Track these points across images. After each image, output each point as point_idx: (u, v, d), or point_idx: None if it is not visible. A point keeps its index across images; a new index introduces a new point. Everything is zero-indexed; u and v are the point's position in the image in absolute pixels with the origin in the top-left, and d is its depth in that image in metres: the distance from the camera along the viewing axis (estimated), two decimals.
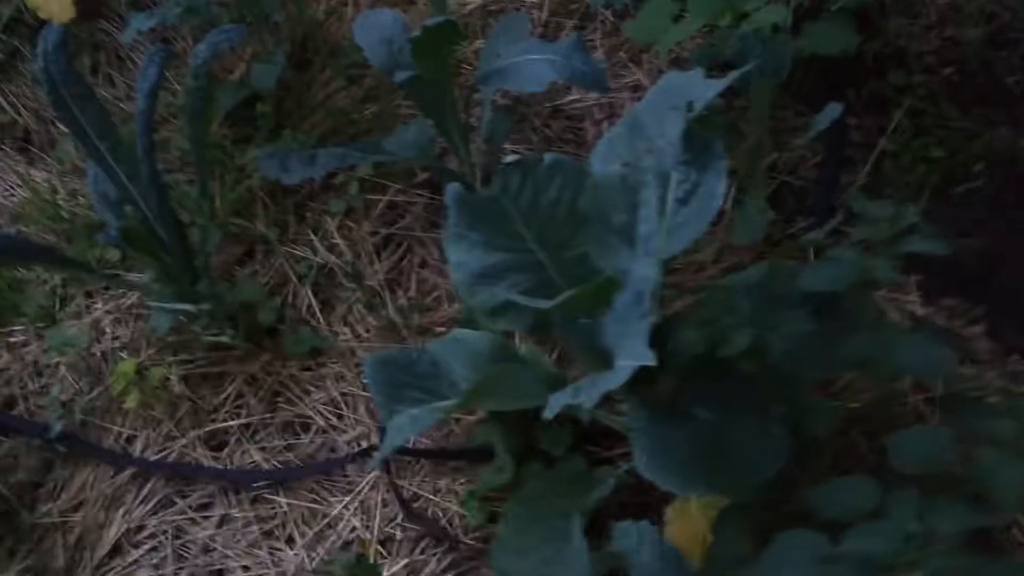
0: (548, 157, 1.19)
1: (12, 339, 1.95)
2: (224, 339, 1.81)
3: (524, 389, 1.19)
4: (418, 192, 2.05)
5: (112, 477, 1.74)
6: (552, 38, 2.23)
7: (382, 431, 1.67)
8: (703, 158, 1.11)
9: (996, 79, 2.04)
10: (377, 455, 1.33)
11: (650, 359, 0.90)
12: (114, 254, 2.01)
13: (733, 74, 1.17)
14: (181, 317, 1.76)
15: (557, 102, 2.15)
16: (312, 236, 2.00)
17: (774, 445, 1.08)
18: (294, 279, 1.93)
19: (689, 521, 1.30)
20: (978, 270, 1.73)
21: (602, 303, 1.07)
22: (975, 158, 1.91)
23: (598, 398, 0.95)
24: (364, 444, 1.71)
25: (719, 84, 1.17)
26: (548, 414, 1.01)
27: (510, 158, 2.00)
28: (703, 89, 1.19)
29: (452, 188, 1.23)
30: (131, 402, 1.77)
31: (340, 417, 1.76)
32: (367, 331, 1.85)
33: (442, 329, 1.84)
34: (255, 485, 1.69)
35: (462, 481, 1.62)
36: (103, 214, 1.65)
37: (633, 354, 0.92)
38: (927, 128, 1.95)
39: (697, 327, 1.04)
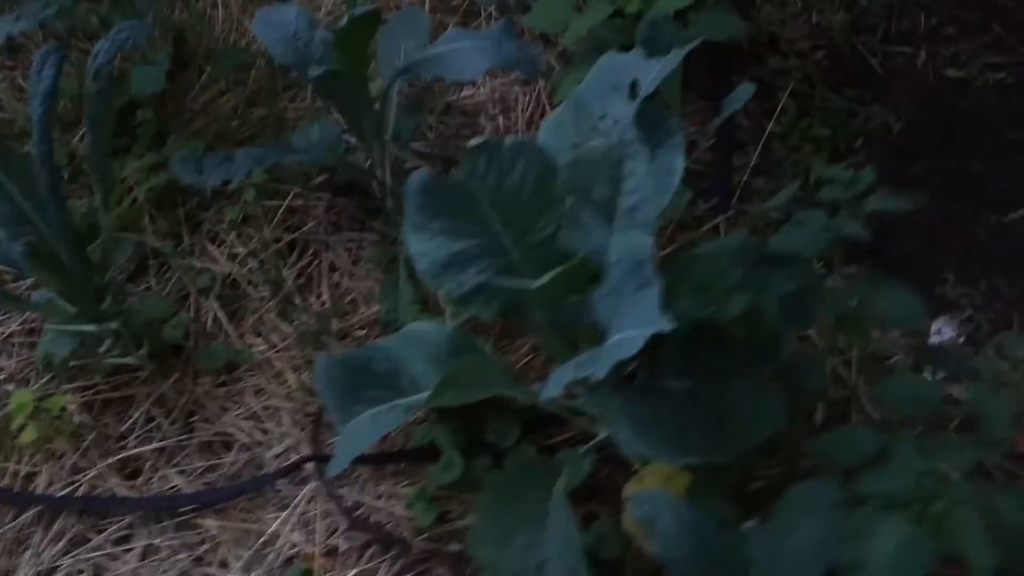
0: (510, 140, 1.18)
1: None
2: (128, 360, 1.70)
3: (491, 379, 1.18)
4: (317, 195, 1.99)
5: (14, 519, 1.60)
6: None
7: (315, 440, 1.63)
8: (658, 135, 1.13)
9: (863, 61, 2.18)
10: (333, 463, 1.27)
11: (666, 324, 0.90)
12: None
13: (677, 53, 1.19)
14: (81, 340, 1.64)
15: (450, 98, 2.14)
16: (210, 246, 1.91)
17: (773, 404, 1.11)
18: (195, 292, 1.84)
19: None
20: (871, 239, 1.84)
21: (588, 280, 1.06)
22: (854, 135, 2.03)
23: (609, 369, 0.94)
24: (293, 456, 1.64)
25: (663, 64, 1.19)
26: (550, 393, 1.00)
27: (408, 157, 1.97)
28: (645, 69, 1.20)
29: (417, 176, 1.20)
30: (28, 436, 1.62)
31: (264, 431, 1.68)
32: (283, 340, 1.78)
33: (362, 332, 1.79)
34: (179, 511, 1.59)
35: (404, 484, 1.58)
36: None
37: (645, 322, 0.92)
38: (808, 110, 2.07)
39: (692, 295, 1.05)
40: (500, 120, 2.13)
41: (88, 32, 2.13)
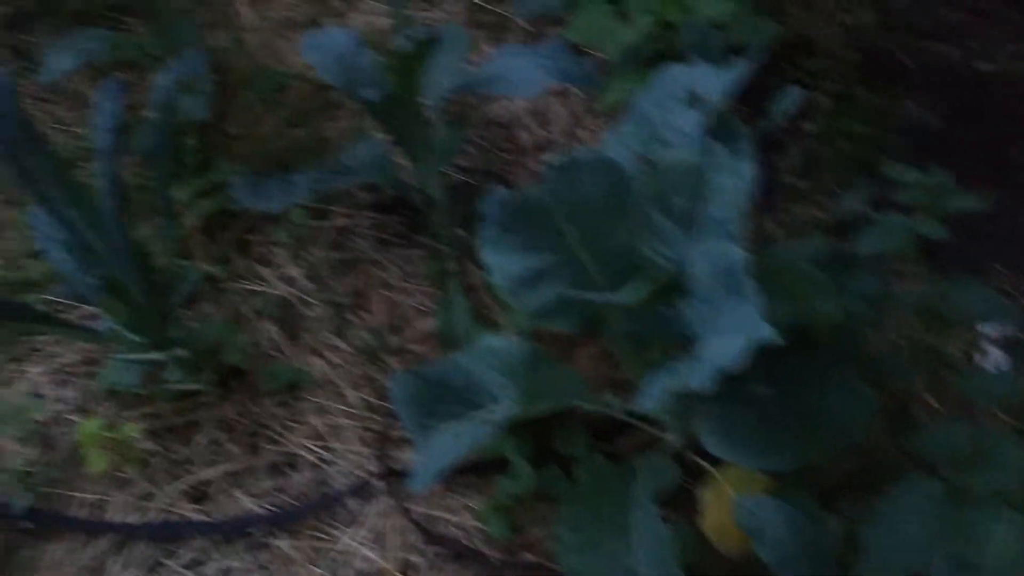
0: (583, 153, 1.20)
1: None
2: (190, 386, 1.71)
3: (570, 390, 1.19)
4: (363, 213, 2.01)
5: (88, 548, 1.61)
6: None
7: (382, 457, 1.64)
8: (729, 143, 1.15)
9: (894, 58, 2.20)
10: (416, 480, 1.28)
11: (771, 334, 0.92)
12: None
13: (739, 64, 1.21)
14: (146, 369, 1.65)
15: (486, 111, 2.16)
16: (261, 268, 1.92)
17: (864, 404, 1.12)
18: (250, 315, 1.85)
19: (725, 500, 1.33)
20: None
21: (669, 290, 1.08)
22: (892, 132, 2.05)
23: (710, 379, 0.96)
24: (360, 473, 1.66)
25: (728, 74, 1.21)
26: (647, 403, 1.01)
27: (452, 172, 1.99)
28: (711, 81, 1.22)
29: (494, 193, 1.22)
30: (96, 465, 1.64)
31: (329, 450, 1.69)
32: (340, 358, 1.79)
33: (418, 347, 1.81)
34: (250, 532, 1.60)
35: (474, 496, 1.60)
36: (61, 265, 1.53)
37: (743, 330, 0.94)
38: (844, 109, 2.08)
39: (780, 300, 1.06)
40: (538, 132, 2.15)
41: (128, 61, 2.15)
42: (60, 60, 1.69)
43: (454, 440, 1.23)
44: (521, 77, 1.54)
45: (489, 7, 2.37)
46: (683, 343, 1.07)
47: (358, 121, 2.15)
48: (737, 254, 1.01)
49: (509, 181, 2.05)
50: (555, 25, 2.32)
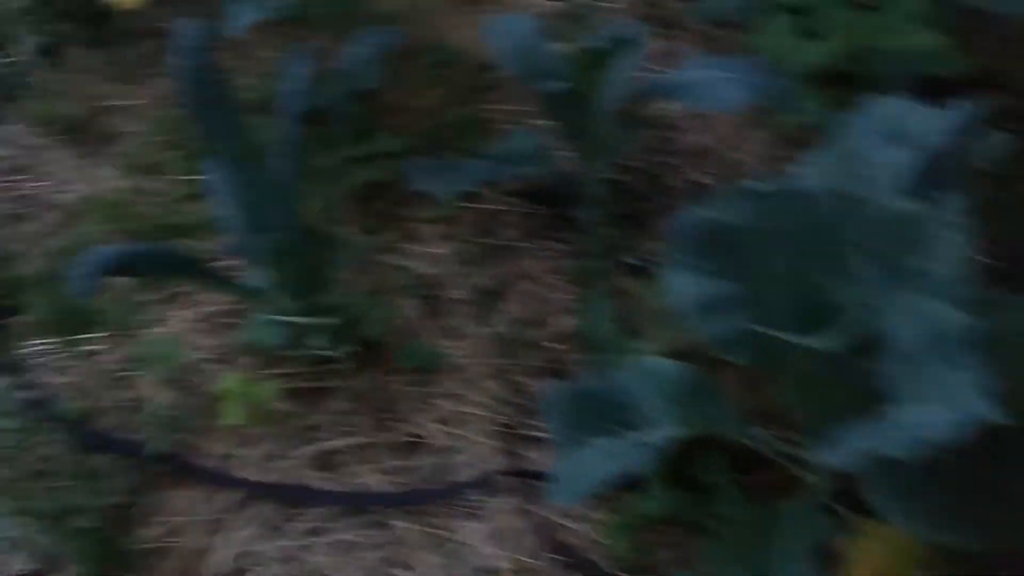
0: (785, 182, 1.14)
1: (87, 348, 1.82)
2: (327, 353, 1.71)
3: (729, 420, 1.14)
4: (513, 200, 1.99)
5: (214, 500, 1.64)
6: None
7: (509, 453, 1.62)
8: (945, 192, 1.08)
9: None
10: (557, 491, 1.25)
11: (990, 411, 0.85)
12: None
13: (963, 109, 1.13)
14: (291, 331, 1.66)
15: (649, 111, 2.11)
16: (407, 244, 1.92)
17: None
18: (392, 289, 1.85)
19: (875, 560, 1.27)
20: None
21: (862, 340, 1.02)
22: None
23: (912, 447, 0.90)
24: (483, 465, 1.64)
25: (949, 116, 1.13)
26: (838, 459, 0.96)
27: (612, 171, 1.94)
28: (929, 120, 1.15)
29: (684, 213, 1.17)
30: (231, 419, 1.66)
31: (455, 437, 1.68)
32: (476, 345, 1.78)
33: (555, 344, 1.78)
34: (370, 509, 1.60)
35: (600, 508, 1.56)
36: (225, 220, 1.54)
37: (956, 403, 0.87)
38: None
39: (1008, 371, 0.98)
40: (699, 138, 2.09)
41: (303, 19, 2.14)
42: (243, 13, 1.70)
43: (604, 458, 1.20)
44: (714, 90, 1.48)
45: (663, 2, 2.31)
46: (875, 399, 1.01)
47: (518, 104, 2.12)
48: (954, 317, 0.95)
49: (666, 185, 1.99)
50: (725, 27, 2.25)
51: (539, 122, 2.04)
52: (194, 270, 1.59)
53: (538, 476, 1.59)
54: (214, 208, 1.56)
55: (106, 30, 2.25)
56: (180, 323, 1.84)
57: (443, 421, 1.70)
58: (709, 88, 1.49)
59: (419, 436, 1.69)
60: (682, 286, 1.14)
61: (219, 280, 1.62)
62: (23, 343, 1.84)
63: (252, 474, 1.65)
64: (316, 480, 1.65)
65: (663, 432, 1.20)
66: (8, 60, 2.21)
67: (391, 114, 2.08)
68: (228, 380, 1.66)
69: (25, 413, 1.67)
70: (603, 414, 1.24)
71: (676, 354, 1.63)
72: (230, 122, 1.39)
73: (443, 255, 1.89)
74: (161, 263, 1.48)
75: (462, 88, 2.13)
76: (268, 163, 1.44)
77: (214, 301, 1.87)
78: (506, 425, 1.67)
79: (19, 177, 2.08)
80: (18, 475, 1.58)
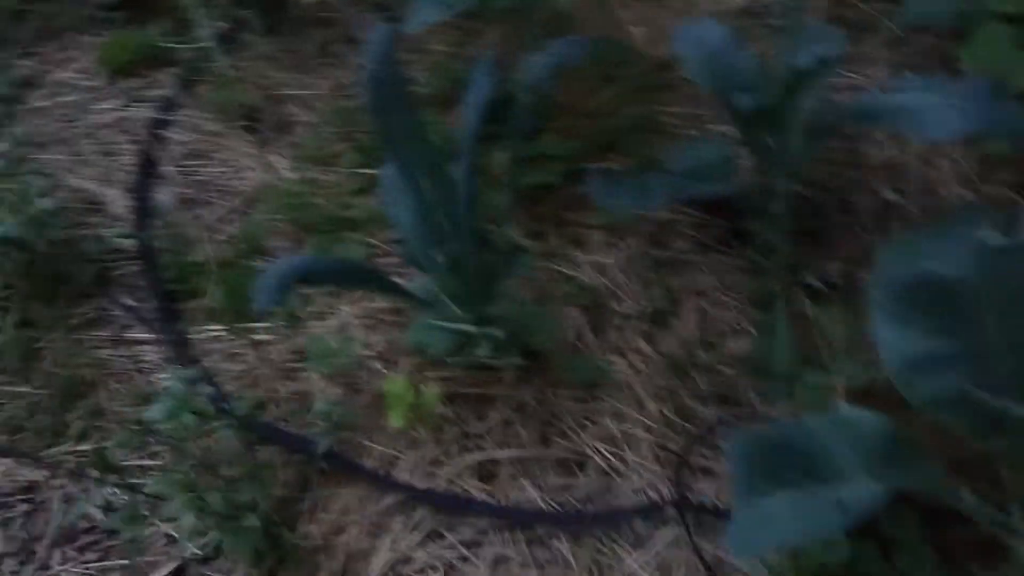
0: (1013, 236, 1.04)
1: (256, 337, 1.86)
2: (492, 361, 1.69)
3: (930, 479, 1.06)
4: (685, 209, 1.91)
5: (376, 502, 1.64)
6: None
7: (678, 482, 1.56)
8: None
9: None
10: (738, 542, 1.19)
11: None
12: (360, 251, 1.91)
13: None
14: (458, 338, 1.65)
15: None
16: (574, 251, 1.87)
17: None
18: (558, 298, 1.81)
19: None
20: None
21: None
22: None
23: None
24: (650, 492, 1.59)
25: None
26: None
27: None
28: None
29: (892, 257, 1.09)
30: (396, 421, 1.66)
31: (621, 459, 1.63)
32: (644, 363, 1.72)
33: (728, 369, 1.70)
34: (532, 526, 1.57)
35: (775, 550, 1.49)
36: (400, 226, 1.53)
37: None
38: None
39: None
40: (890, 151, 1.96)
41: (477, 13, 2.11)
42: (427, 12, 1.67)
43: (791, 513, 1.12)
44: (931, 118, 1.36)
45: (852, 1, 2.17)
46: None
47: (696, 107, 2.04)
48: None
49: (852, 201, 1.88)
50: (923, 33, 2.10)
51: (720, 127, 1.96)
52: (370, 281, 1.59)
53: (707, 510, 1.53)
54: (388, 210, 1.55)
55: (282, 18, 2.27)
56: (347, 317, 1.85)
57: (607, 441, 1.65)
58: (925, 115, 1.37)
59: (582, 454, 1.65)
60: (892, 340, 1.05)
61: (392, 288, 1.62)
62: (197, 327, 1.88)
63: (412, 478, 1.65)
64: (475, 490, 1.63)
65: (857, 489, 1.12)
66: (189, 46, 2.25)
67: (561, 113, 2.03)
68: (393, 383, 1.66)
69: (200, 400, 1.71)
70: (791, 464, 1.17)
71: (861, 392, 1.54)
72: (411, 130, 1.37)
73: (611, 264, 1.83)
74: (340, 275, 1.48)
75: (637, 87, 2.06)
76: (446, 173, 1.41)
77: (384, 298, 1.87)
78: (674, 452, 1.61)
79: (197, 162, 2.12)
80: (191, 461, 1.62)
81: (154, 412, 1.39)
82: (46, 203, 1.83)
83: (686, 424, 1.64)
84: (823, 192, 1.87)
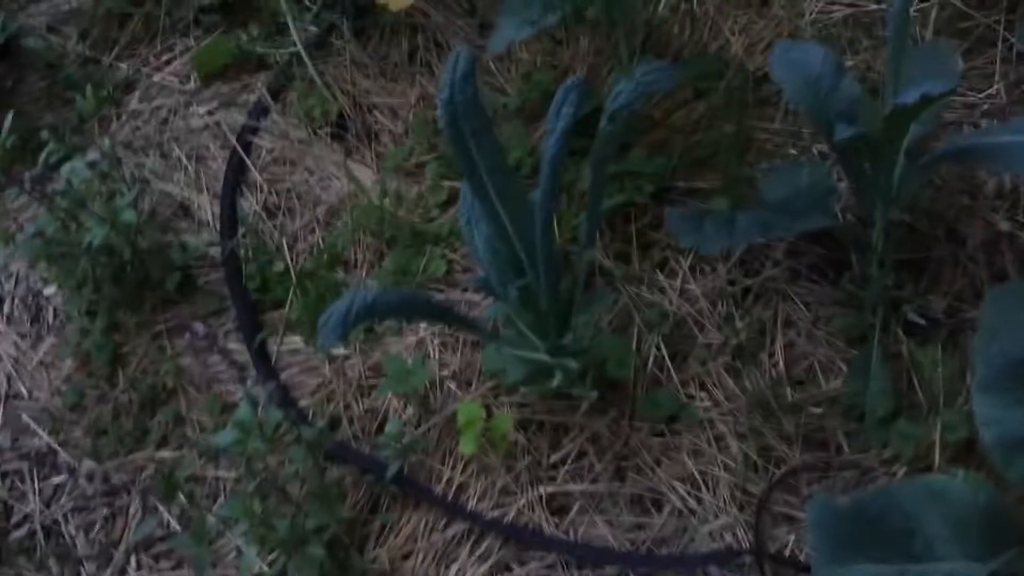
0: None
1: (334, 351, 1.84)
2: (569, 390, 1.64)
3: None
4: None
5: (444, 528, 1.62)
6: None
7: (757, 529, 1.49)
8: None
9: None
10: None
11: None
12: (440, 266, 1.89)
13: None
14: (532, 367, 1.60)
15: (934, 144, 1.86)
16: (659, 275, 1.80)
17: None
18: (639, 325, 1.74)
19: None
20: None
21: None
22: None
23: None
24: (727, 536, 1.52)
25: None
26: None
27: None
28: None
29: (1006, 333, 1.00)
30: (467, 447, 1.63)
31: (699, 500, 1.57)
32: (728, 399, 1.65)
33: (818, 410, 1.61)
34: (603, 566, 1.52)
35: None
36: (475, 252, 1.49)
37: None
38: None
39: None
40: (1003, 175, 1.82)
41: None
42: (511, 30, 1.62)
43: None
44: None
45: (970, 11, 2.02)
46: None
47: (793, 123, 1.93)
48: None
49: (959, 231, 1.75)
50: None
51: (819, 146, 1.86)
52: (436, 316, 1.57)
53: (786, 561, 1.45)
54: (464, 234, 1.51)
55: (372, 23, 2.25)
56: (425, 335, 1.82)
57: (685, 480, 1.59)
58: None
59: (657, 492, 1.59)
60: (995, 418, 0.96)
61: (459, 321, 1.59)
62: (278, 338, 1.89)
63: (482, 505, 1.62)
64: (545, 523, 1.59)
65: (953, 570, 1.04)
66: (281, 51, 2.25)
67: (650, 127, 1.96)
68: (467, 408, 1.63)
69: (271, 420, 1.71)
70: (876, 537, 1.09)
71: (960, 446, 1.44)
72: (487, 158, 1.33)
73: (696, 291, 1.76)
74: (406, 310, 1.46)
75: (732, 101, 1.97)
76: (523, 200, 1.37)
77: None
78: (755, 496, 1.54)
79: (283, 170, 2.12)
80: (263, 477, 1.62)
81: (222, 438, 1.39)
82: (136, 211, 1.85)
83: (769, 466, 1.56)
84: (929, 220, 1.76)
